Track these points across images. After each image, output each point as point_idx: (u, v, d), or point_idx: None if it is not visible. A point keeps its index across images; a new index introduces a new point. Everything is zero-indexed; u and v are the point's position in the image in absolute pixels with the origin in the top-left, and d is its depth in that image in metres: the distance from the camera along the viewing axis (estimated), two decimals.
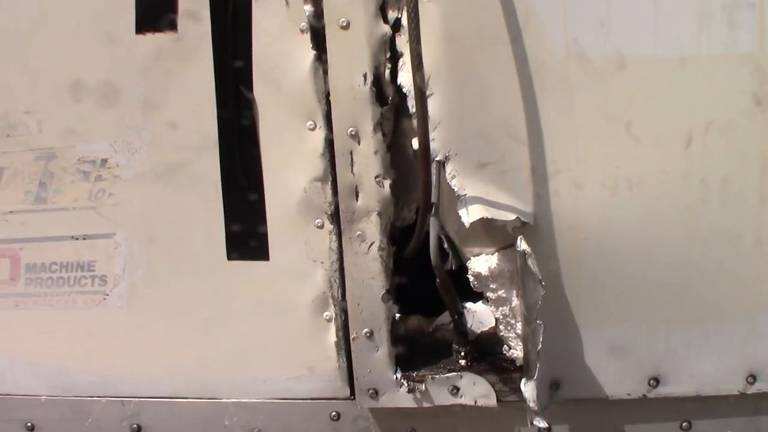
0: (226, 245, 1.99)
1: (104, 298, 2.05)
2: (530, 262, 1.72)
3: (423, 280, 1.93)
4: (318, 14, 1.83)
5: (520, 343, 1.92)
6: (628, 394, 1.93)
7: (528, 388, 1.79)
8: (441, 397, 1.95)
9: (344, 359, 2.00)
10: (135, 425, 2.11)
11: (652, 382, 1.91)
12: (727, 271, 1.84)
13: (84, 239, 2.04)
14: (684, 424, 1.97)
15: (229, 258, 1.99)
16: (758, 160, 1.79)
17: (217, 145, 1.94)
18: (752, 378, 1.90)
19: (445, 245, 1.95)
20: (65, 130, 2.00)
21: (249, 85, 1.90)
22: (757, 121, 1.77)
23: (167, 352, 2.07)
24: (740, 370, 1.90)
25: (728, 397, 1.94)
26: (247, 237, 1.98)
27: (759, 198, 1.80)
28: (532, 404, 1.77)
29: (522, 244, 1.76)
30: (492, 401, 1.93)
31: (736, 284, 1.85)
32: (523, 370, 1.87)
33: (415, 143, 1.81)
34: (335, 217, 1.92)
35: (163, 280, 2.03)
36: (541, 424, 1.77)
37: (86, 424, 2.12)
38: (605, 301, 1.88)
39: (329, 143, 1.88)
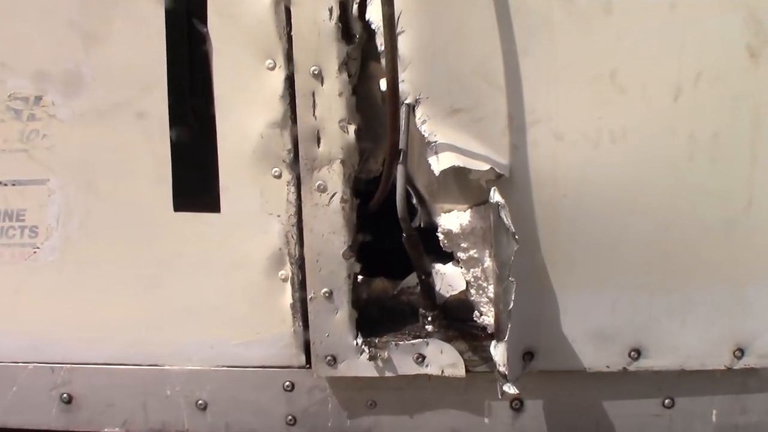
0: (173, 195, 2.14)
1: (34, 252, 2.20)
2: (503, 214, 1.90)
3: (389, 240, 2.10)
4: None
5: (492, 309, 2.10)
6: (607, 367, 2.11)
7: (498, 351, 1.96)
8: (405, 366, 2.11)
9: (300, 323, 2.15)
10: (65, 395, 2.25)
11: (632, 353, 2.10)
12: (715, 234, 2.03)
13: (13, 185, 2.20)
14: (666, 401, 2.16)
15: (176, 209, 2.15)
16: (751, 116, 1.98)
17: (166, 84, 2.09)
18: (740, 352, 2.09)
19: (414, 200, 2.14)
20: None
21: (203, 19, 2.06)
22: (750, 75, 1.96)
23: (104, 313, 2.21)
24: (727, 343, 2.09)
25: (714, 372, 2.12)
26: (196, 186, 2.14)
27: (751, 156, 2.00)
28: (502, 368, 1.94)
29: (495, 196, 1.95)
30: (460, 371, 2.10)
31: (724, 248, 2.04)
32: (495, 333, 2.04)
33: (383, 85, 1.95)
34: (294, 166, 2.08)
35: (101, 232, 2.18)
36: (511, 390, 1.93)
37: (9, 394, 2.26)
38: (584, 264, 2.05)
39: (290, 84, 2.04)
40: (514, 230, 1.88)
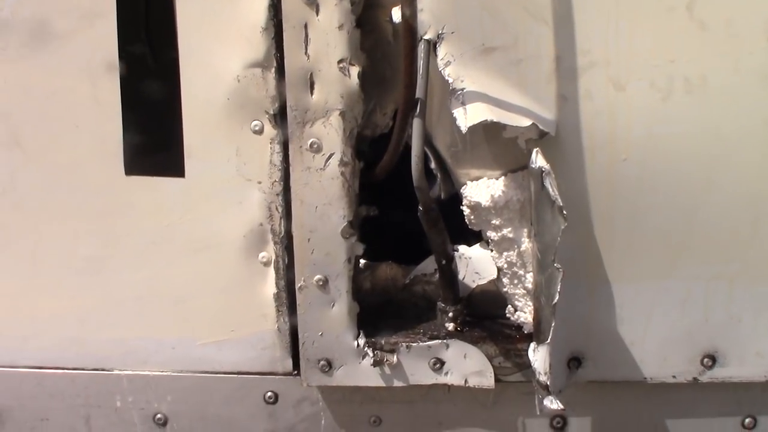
0: (124, 155, 2.03)
1: None
2: (548, 183, 1.78)
3: (400, 215, 2.00)
4: None
5: (530, 303, 1.99)
6: (674, 377, 2.02)
7: (539, 357, 1.86)
8: (418, 373, 2.02)
9: (286, 319, 2.07)
10: None
11: (706, 361, 2.01)
12: None
13: None
14: (747, 420, 2.09)
15: (128, 172, 2.04)
16: None
17: (114, 9, 1.96)
18: None
19: (432, 164, 2.02)
20: None
21: None
22: None
23: (35, 305, 2.13)
24: None
25: None
26: (153, 144, 2.03)
27: None
28: (542, 378, 1.84)
29: (539, 160, 1.82)
30: (489, 381, 2.01)
31: None
32: (534, 333, 1.94)
33: (396, 14, 1.85)
34: (280, 119, 1.96)
35: (31, 201, 2.08)
36: (554, 405, 1.83)
37: None
38: (647, 248, 1.95)
39: (275, 12, 1.91)
40: (561, 203, 1.75)
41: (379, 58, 1.99)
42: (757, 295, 1.98)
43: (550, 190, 1.78)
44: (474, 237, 2.06)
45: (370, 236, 2.08)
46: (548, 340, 1.82)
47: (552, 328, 1.81)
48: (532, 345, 1.90)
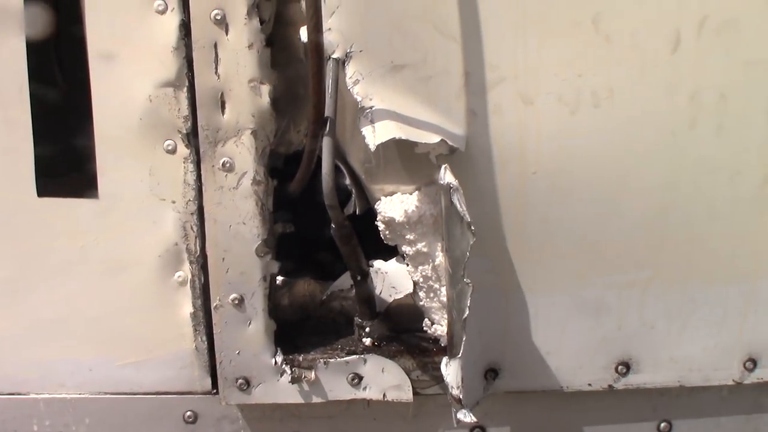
0: (36, 176, 2.01)
1: None
2: (456, 199, 1.80)
3: (315, 232, 2.02)
4: None
5: (446, 316, 2.00)
6: (589, 385, 2.07)
7: (451, 371, 1.87)
8: (337, 389, 2.04)
9: (203, 338, 2.07)
10: None
11: (620, 368, 2.06)
12: (721, 218, 1.98)
13: None
14: (662, 424, 2.14)
15: (41, 194, 2.03)
16: (767, 71, 1.91)
17: (23, 23, 1.94)
18: (752, 363, 2.06)
19: (346, 181, 2.04)
20: None
21: None
22: (767, 21, 1.88)
23: None
24: (736, 353, 2.06)
25: (720, 389, 2.10)
26: (65, 164, 2.02)
27: (766, 122, 1.93)
28: (455, 391, 1.85)
29: (447, 176, 1.84)
30: (407, 394, 2.04)
31: (732, 237, 1.99)
32: (447, 347, 1.96)
33: (303, 34, 1.84)
34: (192, 138, 1.97)
35: None
36: (467, 418, 1.85)
37: None
38: (561, 259, 1.99)
39: (185, 32, 1.92)
40: (469, 219, 1.78)
41: (292, 75, 2.00)
42: (669, 301, 2.04)
43: (459, 206, 1.80)
44: (389, 252, 2.07)
45: (286, 252, 2.08)
46: (460, 354, 1.84)
47: (463, 342, 1.83)
48: (445, 359, 1.92)
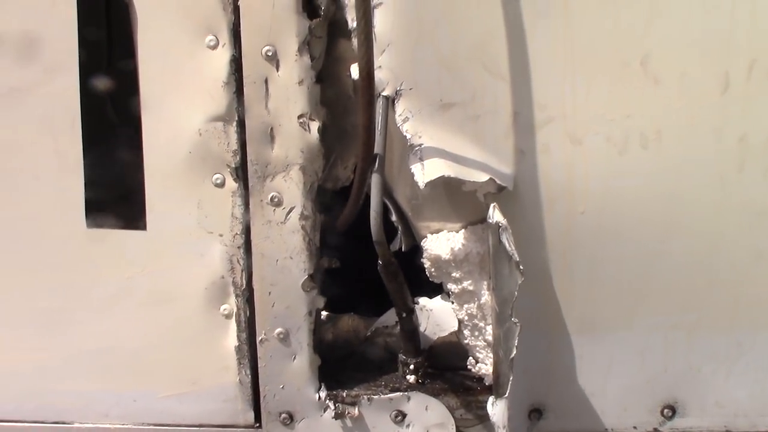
0: (86, 208, 2.06)
1: None
2: (505, 238, 1.83)
3: (361, 266, 2.04)
4: None
5: (491, 356, 2.04)
6: (635, 428, 2.08)
7: (497, 410, 1.90)
8: (380, 426, 2.07)
9: (247, 371, 2.10)
10: None
11: (666, 411, 2.07)
12: None
13: None
14: None
15: (90, 225, 2.07)
16: None
17: (77, 65, 2.00)
18: None
19: (393, 217, 2.07)
20: None
21: None
22: None
23: None
24: None
25: None
26: (115, 197, 2.07)
27: None
28: (502, 430, 1.88)
29: (496, 215, 1.87)
30: None
31: None
32: (493, 386, 1.98)
33: (354, 71, 1.90)
34: (241, 172, 2.01)
35: None
36: None
37: None
38: (606, 300, 2.01)
39: (236, 67, 1.97)
40: (518, 258, 1.81)
41: (341, 111, 2.05)
42: (715, 344, 2.04)
43: (507, 245, 1.83)
44: (435, 289, 2.10)
45: (332, 287, 2.11)
46: (506, 394, 1.87)
47: (510, 382, 1.86)
48: (491, 399, 1.95)
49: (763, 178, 1.95)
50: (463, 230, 2.02)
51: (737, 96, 1.92)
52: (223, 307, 2.08)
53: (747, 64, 1.90)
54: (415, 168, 1.92)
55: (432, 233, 2.03)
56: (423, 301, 2.13)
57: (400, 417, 2.05)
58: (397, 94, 1.93)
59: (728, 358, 2.05)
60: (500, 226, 1.85)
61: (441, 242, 2.02)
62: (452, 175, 1.90)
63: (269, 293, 2.03)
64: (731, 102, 1.92)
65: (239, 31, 1.95)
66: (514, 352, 1.83)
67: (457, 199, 2.00)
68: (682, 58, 1.91)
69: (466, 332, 2.08)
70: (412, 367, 2.09)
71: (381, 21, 1.90)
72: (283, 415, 2.08)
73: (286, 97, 1.95)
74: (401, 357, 2.11)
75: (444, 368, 2.13)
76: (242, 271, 2.06)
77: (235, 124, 2.00)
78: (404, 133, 1.94)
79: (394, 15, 1.90)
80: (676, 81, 1.91)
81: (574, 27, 1.90)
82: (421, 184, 1.89)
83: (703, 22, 1.89)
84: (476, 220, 2.01)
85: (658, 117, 1.93)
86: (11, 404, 2.16)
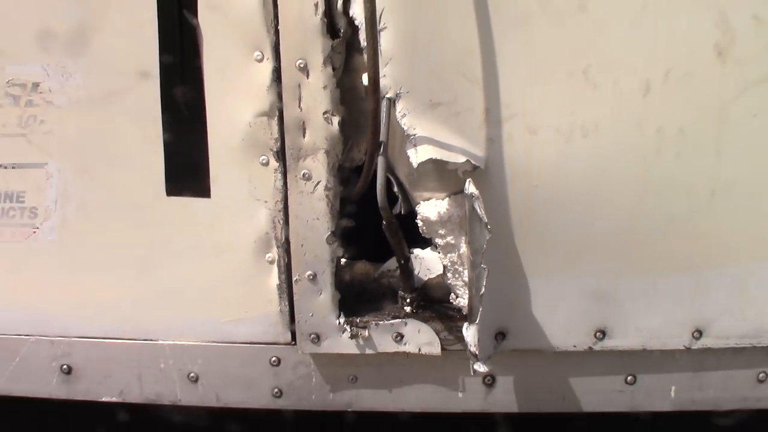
0: (165, 180, 2.13)
1: (34, 232, 2.20)
2: (477, 205, 1.91)
3: (370, 226, 2.09)
4: None
5: (467, 291, 2.10)
6: (574, 346, 2.14)
7: (470, 333, 1.99)
8: (384, 344, 2.14)
9: (286, 303, 2.17)
10: (65, 366, 2.27)
11: (598, 334, 2.13)
12: (678, 223, 2.04)
13: (13, 168, 2.18)
14: (629, 377, 2.20)
15: (168, 194, 2.14)
16: (716, 112, 1.98)
17: (158, 74, 2.07)
18: (698, 333, 2.13)
19: (395, 188, 2.13)
20: None
21: (194, 11, 2.03)
22: (716, 72, 1.95)
23: (100, 291, 2.21)
24: (687, 325, 2.12)
25: (674, 352, 2.16)
26: (187, 172, 2.13)
27: (715, 150, 2.00)
28: (473, 348, 1.97)
29: (470, 187, 1.95)
30: (436, 349, 2.13)
31: (686, 238, 2.06)
32: (467, 315, 2.06)
33: (365, 79, 1.94)
34: (281, 154, 2.07)
35: (97, 214, 2.17)
36: (481, 368, 1.97)
37: (12, 365, 2.28)
38: (553, 251, 2.07)
39: (277, 76, 2.02)
40: (486, 220, 1.89)
41: (354, 109, 2.10)
42: (636, 285, 2.09)
43: (478, 210, 1.91)
44: (425, 242, 2.16)
45: (349, 240, 2.17)
46: (476, 321, 1.96)
47: (479, 312, 1.95)
48: (465, 324, 2.03)
49: (675, 160, 2.00)
50: (447, 198, 2.07)
51: (656, 97, 1.96)
52: (267, 255, 2.14)
53: (663, 72, 1.95)
54: (411, 152, 1.99)
55: (424, 201, 2.09)
56: (416, 251, 2.19)
57: (399, 337, 2.12)
58: (398, 96, 1.98)
59: (646, 294, 2.10)
60: (474, 196, 1.93)
61: (430, 207, 2.08)
62: (438, 158, 1.97)
63: (302, 245, 2.09)
64: (651, 102, 1.96)
65: (279, 48, 1.99)
66: (483, 290, 1.91)
67: (442, 175, 2.05)
68: (614, 69, 1.95)
69: (449, 275, 2.14)
70: (408, 300, 2.15)
71: (385, 41, 1.95)
72: (312, 336, 2.15)
73: (314, 98, 2.00)
74: (400, 293, 2.17)
75: (432, 302, 2.19)
76: (282, 228, 2.12)
77: (276, 118, 2.05)
78: (403, 126, 2.00)
79: (395, 36, 1.95)
80: (610, 86, 1.96)
81: (532, 44, 1.94)
82: (415, 164, 1.97)
83: (630, 41, 1.93)
84: (457, 191, 2.05)
85: (596, 114, 1.98)
86: (113, 326, 2.24)
